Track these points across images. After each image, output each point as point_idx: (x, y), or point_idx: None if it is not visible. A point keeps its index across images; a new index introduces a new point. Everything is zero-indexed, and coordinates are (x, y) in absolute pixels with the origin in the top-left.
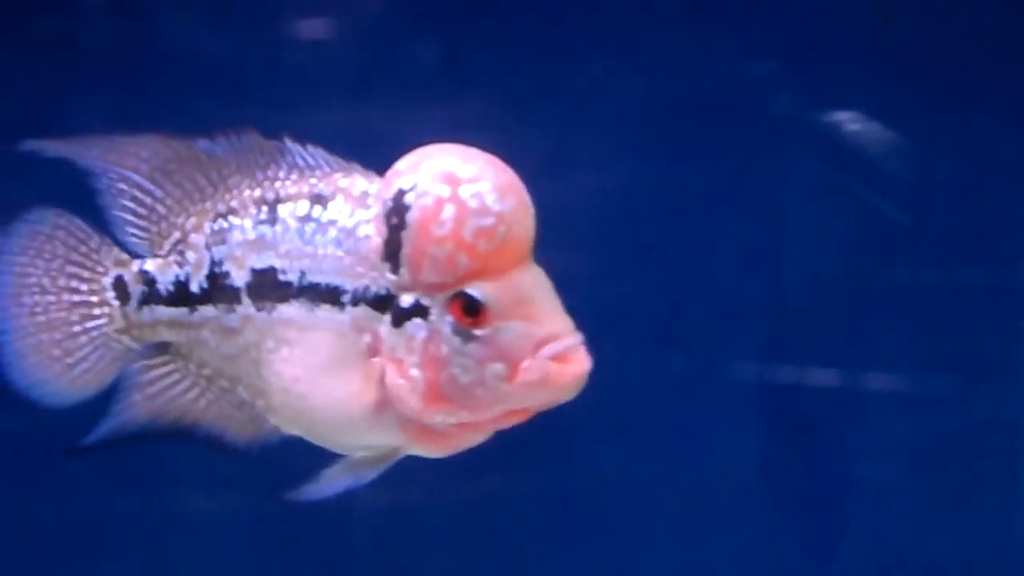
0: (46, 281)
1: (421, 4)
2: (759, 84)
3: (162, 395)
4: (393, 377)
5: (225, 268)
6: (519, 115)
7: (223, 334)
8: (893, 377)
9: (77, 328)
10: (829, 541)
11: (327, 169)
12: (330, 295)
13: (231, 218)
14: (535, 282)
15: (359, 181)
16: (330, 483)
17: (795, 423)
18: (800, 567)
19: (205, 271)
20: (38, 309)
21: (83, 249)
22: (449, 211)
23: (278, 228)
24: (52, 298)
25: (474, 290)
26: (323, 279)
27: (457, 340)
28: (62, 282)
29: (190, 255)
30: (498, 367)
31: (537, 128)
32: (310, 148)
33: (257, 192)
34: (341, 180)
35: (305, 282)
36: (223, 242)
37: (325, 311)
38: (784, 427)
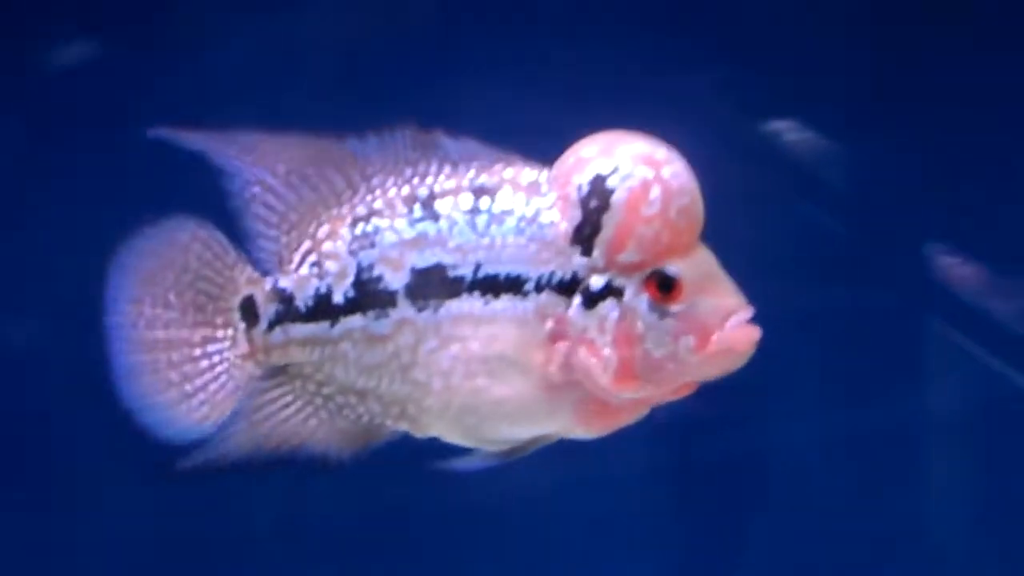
0: (172, 296)
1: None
2: (698, 93)
3: (268, 421)
4: (584, 358)
5: (377, 272)
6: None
7: (367, 343)
8: (817, 381)
9: (198, 351)
10: (735, 546)
11: (484, 160)
12: (512, 284)
13: (376, 220)
14: (710, 257)
15: (525, 171)
16: (480, 460)
17: (698, 427)
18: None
19: (351, 279)
20: (159, 324)
21: (217, 265)
22: (656, 191)
23: (442, 224)
24: (176, 315)
25: (671, 267)
26: (503, 269)
27: (653, 316)
28: (189, 297)
29: (329, 265)
30: (690, 340)
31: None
32: (463, 140)
33: (406, 190)
34: (505, 171)
35: (481, 274)
36: (371, 245)
37: (505, 301)
38: (686, 433)
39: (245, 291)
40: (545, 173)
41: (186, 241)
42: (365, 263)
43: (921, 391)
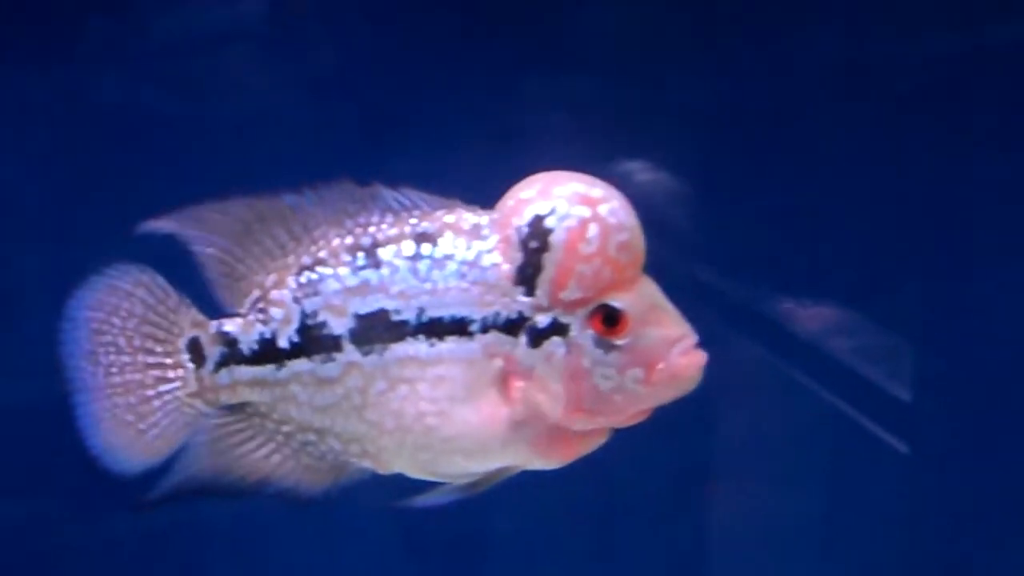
0: (122, 341)
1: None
2: (552, 132)
3: (229, 453)
4: (533, 394)
5: (321, 318)
6: None
7: (317, 386)
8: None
9: (151, 392)
10: None
11: (425, 208)
12: (456, 326)
13: (320, 269)
14: (654, 288)
15: (466, 215)
16: (443, 495)
17: None
18: None
19: (295, 325)
20: (114, 370)
21: (161, 308)
22: (594, 230)
23: (384, 271)
24: (127, 359)
25: (615, 302)
26: (447, 312)
27: (599, 352)
28: (137, 342)
29: (275, 311)
30: (637, 371)
31: None
32: (403, 190)
33: (349, 240)
34: (446, 216)
35: (425, 318)
36: (315, 293)
37: (451, 343)
38: None
39: (190, 332)
40: (486, 217)
41: (128, 288)
42: (309, 309)
43: (760, 428)
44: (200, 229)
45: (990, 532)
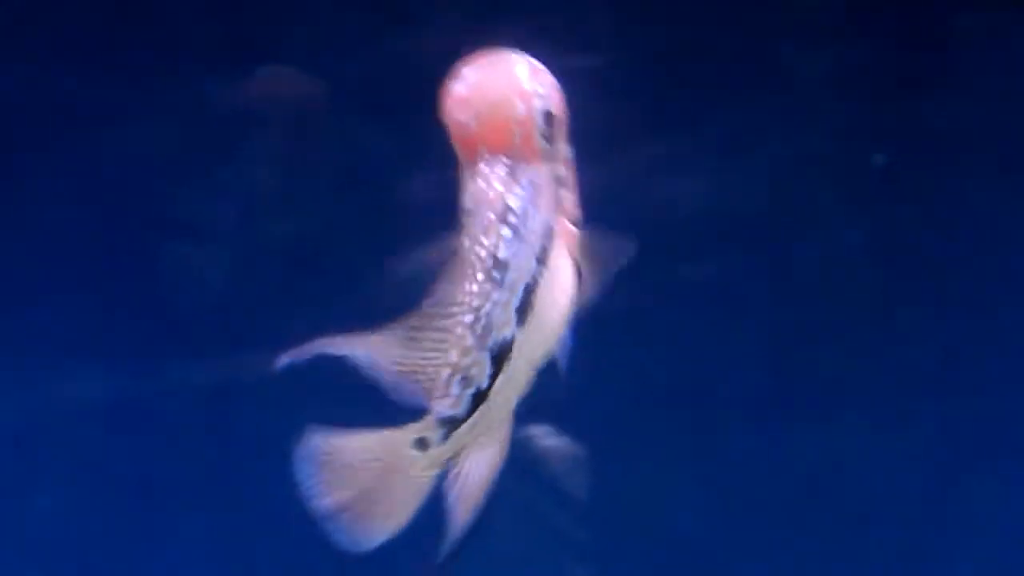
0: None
1: None
2: None
3: (469, 486)
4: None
5: (500, 339)
6: None
7: (507, 383)
8: None
9: (387, 482)
10: None
11: (478, 199)
12: (550, 236)
13: (483, 308)
14: None
15: (494, 171)
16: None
17: None
18: None
19: (488, 364)
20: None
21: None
22: (553, 79)
23: (512, 261)
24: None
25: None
26: (542, 234)
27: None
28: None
29: (475, 371)
30: None
31: None
32: (460, 205)
33: (479, 275)
34: (488, 194)
35: (540, 252)
36: (492, 329)
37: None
38: None
39: (413, 437)
40: (506, 161)
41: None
42: (492, 345)
43: None
44: (386, 358)
45: None
